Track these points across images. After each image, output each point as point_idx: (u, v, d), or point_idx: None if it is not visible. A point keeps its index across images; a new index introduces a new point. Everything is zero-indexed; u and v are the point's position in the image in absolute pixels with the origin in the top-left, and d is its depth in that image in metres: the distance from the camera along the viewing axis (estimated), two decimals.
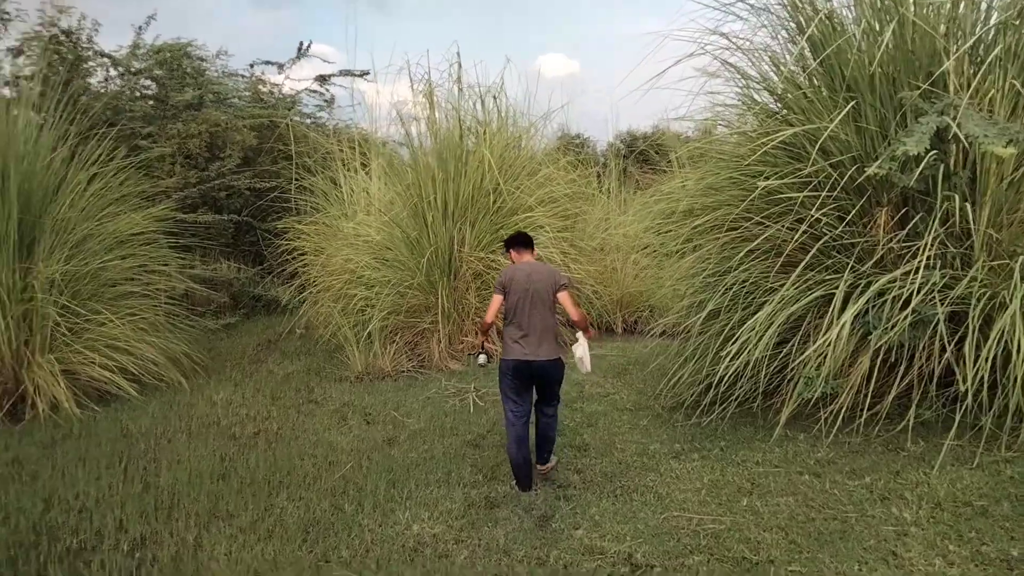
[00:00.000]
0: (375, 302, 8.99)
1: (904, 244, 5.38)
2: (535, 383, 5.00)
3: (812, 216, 5.35)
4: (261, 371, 9.32)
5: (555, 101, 42.47)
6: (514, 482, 5.05)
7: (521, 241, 5.28)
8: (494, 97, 10.07)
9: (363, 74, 16.14)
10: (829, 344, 5.08)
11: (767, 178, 5.67)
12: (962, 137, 4.66)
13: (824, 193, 5.29)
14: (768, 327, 5.34)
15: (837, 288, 5.29)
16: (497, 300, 5.04)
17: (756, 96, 6.61)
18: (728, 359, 5.45)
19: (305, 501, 4.98)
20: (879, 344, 5.09)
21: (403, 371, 8.79)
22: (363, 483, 5.28)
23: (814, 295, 5.41)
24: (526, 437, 4.98)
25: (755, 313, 5.79)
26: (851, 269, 5.31)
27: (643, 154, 17.45)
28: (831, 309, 5.17)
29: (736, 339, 5.53)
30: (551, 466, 5.26)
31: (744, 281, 5.96)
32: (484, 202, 9.18)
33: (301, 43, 17.02)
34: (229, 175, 13.86)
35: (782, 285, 5.63)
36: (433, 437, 6.37)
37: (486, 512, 4.72)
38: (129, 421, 7.09)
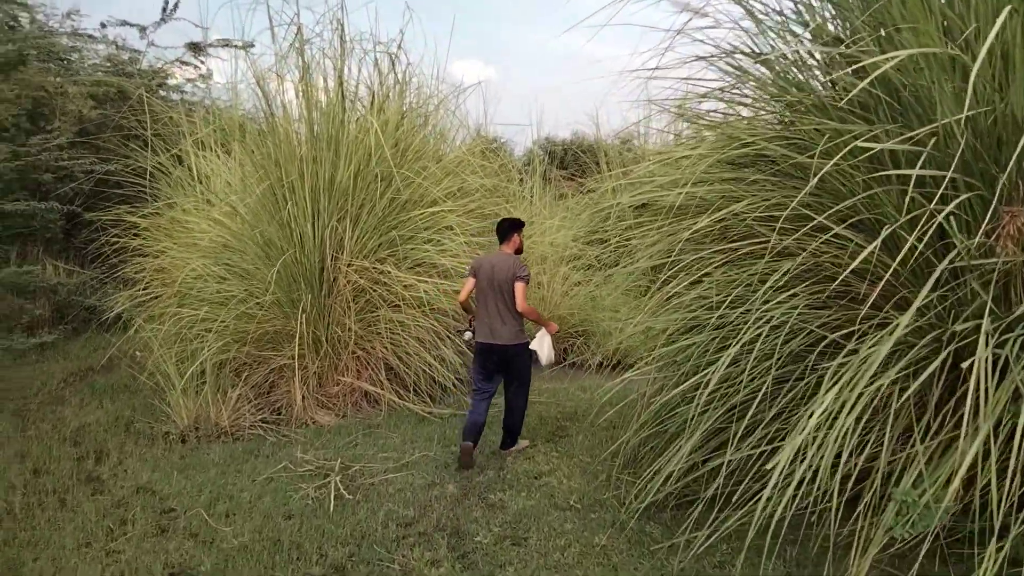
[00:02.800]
0: (214, 326, 6.33)
1: None
2: (500, 365, 5.39)
3: (932, 217, 3.04)
4: (48, 420, 6.52)
5: (472, 104, 40.43)
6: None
7: (499, 233, 5.53)
8: (390, 55, 7.53)
9: (246, 46, 13.48)
10: (967, 452, 2.80)
11: (826, 154, 3.36)
12: None
13: (949, 174, 2.98)
14: (840, 413, 3.01)
15: (961, 342, 3.03)
16: (471, 282, 5.38)
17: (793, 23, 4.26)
18: (780, 472, 3.08)
19: None
20: None
21: (249, 427, 6.15)
22: None
23: (930, 363, 3.09)
24: (479, 425, 5.29)
25: (800, 376, 3.51)
26: (988, 312, 3.04)
27: (562, 162, 16.82)
28: (971, 381, 2.87)
29: (786, 432, 3.19)
30: (517, 448, 5.63)
31: (777, 324, 3.64)
32: (371, 191, 6.61)
33: (166, 3, 14.09)
34: (56, 151, 10.86)
35: (848, 335, 3.35)
36: (256, 568, 3.81)
37: None
38: None
